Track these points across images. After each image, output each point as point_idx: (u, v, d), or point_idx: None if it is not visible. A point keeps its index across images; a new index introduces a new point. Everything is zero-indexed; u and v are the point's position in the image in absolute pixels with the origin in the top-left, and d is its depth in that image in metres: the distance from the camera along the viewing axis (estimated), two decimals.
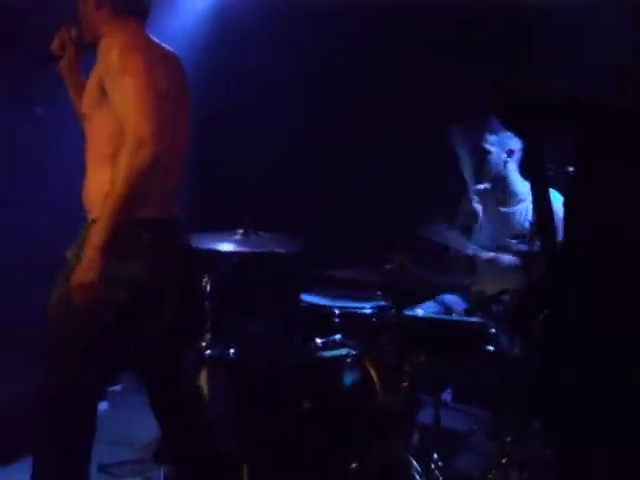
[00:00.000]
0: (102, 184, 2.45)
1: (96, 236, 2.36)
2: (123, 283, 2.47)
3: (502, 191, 3.95)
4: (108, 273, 2.39)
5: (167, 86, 2.51)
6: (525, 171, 3.86)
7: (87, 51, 2.73)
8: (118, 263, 2.42)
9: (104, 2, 2.60)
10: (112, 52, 2.46)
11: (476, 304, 3.58)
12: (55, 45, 2.72)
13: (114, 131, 2.45)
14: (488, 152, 3.91)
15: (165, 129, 2.43)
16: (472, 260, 3.93)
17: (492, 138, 3.91)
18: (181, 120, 2.64)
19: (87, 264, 2.37)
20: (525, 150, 3.75)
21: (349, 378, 3.29)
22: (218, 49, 4.78)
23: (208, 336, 3.41)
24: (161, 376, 2.73)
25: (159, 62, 2.54)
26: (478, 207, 3.95)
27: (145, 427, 3.17)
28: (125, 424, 3.93)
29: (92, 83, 2.56)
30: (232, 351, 3.35)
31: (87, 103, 2.59)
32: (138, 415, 3.24)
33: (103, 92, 2.49)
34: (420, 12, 4.29)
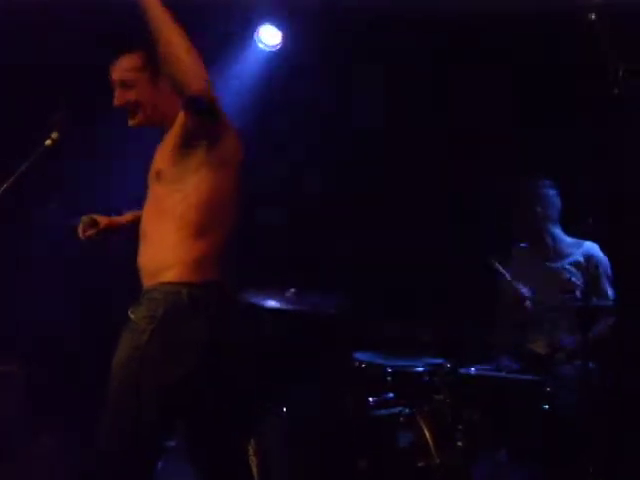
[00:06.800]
0: (171, 247, 2.52)
1: None
2: (189, 342, 2.50)
3: (547, 246, 3.91)
4: (176, 335, 2.45)
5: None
6: None
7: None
8: (182, 324, 2.47)
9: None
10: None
11: (530, 362, 3.55)
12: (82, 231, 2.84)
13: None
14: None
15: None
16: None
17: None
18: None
19: None
20: None
21: (403, 437, 3.27)
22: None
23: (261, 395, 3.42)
24: (212, 436, 2.71)
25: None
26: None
27: None
28: None
29: (167, 145, 2.62)
30: (285, 410, 3.35)
31: (163, 162, 2.63)
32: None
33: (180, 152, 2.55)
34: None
